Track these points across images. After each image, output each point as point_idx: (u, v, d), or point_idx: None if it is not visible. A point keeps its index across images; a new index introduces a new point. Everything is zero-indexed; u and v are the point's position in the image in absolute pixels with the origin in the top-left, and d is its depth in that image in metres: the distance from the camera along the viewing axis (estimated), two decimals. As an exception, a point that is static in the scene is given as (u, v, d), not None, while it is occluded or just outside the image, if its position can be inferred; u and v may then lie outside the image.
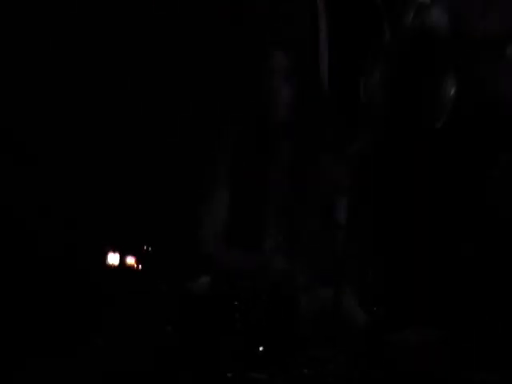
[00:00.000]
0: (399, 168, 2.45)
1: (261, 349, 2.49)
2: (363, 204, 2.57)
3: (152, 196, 3.19)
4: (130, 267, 2.92)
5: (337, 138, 2.58)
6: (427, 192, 2.46)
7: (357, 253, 2.59)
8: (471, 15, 2.82)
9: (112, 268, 2.93)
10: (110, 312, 2.96)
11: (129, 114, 3.57)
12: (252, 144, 2.69)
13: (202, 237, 2.70)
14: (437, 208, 2.40)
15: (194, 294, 2.79)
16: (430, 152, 2.40)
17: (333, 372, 2.44)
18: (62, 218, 3.33)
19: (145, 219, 3.15)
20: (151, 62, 3.72)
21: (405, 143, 2.42)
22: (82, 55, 4.05)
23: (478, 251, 2.45)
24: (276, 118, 2.61)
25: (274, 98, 2.60)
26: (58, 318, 2.99)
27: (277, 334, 2.55)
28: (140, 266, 2.89)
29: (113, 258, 2.87)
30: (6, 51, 3.89)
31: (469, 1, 2.78)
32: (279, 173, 2.66)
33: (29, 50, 3.74)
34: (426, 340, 2.38)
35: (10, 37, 3.85)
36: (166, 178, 3.11)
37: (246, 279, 2.62)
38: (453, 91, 2.31)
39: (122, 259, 2.87)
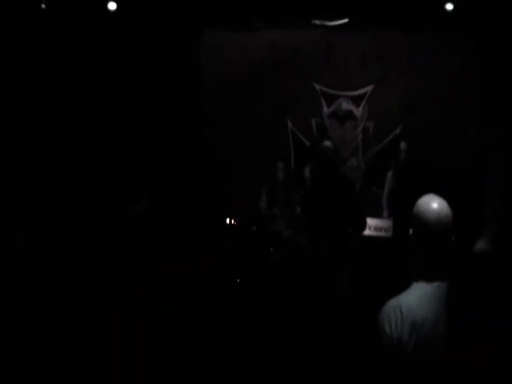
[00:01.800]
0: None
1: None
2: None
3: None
4: (234, 224, 7.34)
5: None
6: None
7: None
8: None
9: (227, 224, 7.33)
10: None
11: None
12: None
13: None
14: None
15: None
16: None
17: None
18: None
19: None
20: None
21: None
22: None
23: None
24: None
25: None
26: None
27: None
28: (236, 223, 7.46)
29: (227, 220, 7.34)
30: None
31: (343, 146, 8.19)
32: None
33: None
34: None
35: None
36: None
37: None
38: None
39: (230, 220, 7.45)
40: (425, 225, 2.65)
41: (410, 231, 2.72)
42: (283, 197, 7.33)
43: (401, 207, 6.71)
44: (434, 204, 2.67)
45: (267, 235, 7.07)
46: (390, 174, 7.39)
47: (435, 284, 2.62)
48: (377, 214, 7.27)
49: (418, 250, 2.70)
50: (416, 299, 2.62)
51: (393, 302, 2.67)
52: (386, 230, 7.02)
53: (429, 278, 2.64)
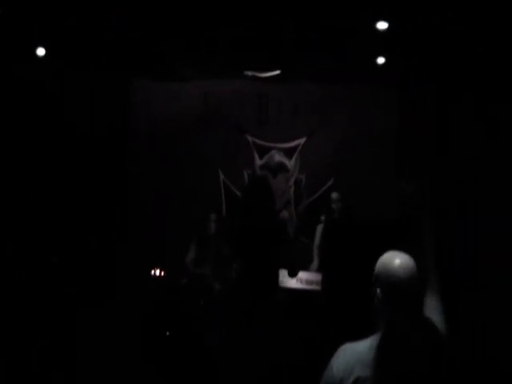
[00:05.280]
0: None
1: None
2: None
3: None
4: (160, 275, 7.43)
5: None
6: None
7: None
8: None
9: (154, 275, 7.32)
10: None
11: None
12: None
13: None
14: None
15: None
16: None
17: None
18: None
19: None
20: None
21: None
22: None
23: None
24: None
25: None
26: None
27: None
28: (164, 275, 7.46)
29: (155, 271, 7.35)
30: None
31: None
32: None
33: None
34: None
35: None
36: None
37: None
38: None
39: (159, 271, 7.37)
40: (392, 283, 2.55)
41: (377, 290, 2.59)
42: (215, 249, 7.22)
43: (329, 261, 6.76)
44: (397, 261, 2.57)
45: (197, 289, 6.96)
46: (320, 225, 7.23)
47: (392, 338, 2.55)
48: (306, 266, 7.11)
49: (385, 307, 2.57)
50: (369, 351, 2.54)
51: (348, 346, 2.63)
52: (316, 283, 6.87)
53: (395, 331, 2.55)
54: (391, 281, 2.54)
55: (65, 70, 7.87)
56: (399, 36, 6.86)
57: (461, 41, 6.56)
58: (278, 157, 8.64)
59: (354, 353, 2.57)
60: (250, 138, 8.66)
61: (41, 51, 7.48)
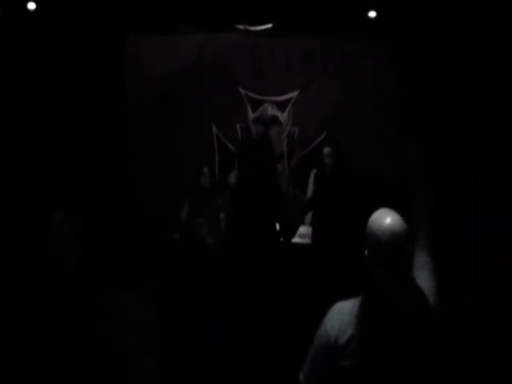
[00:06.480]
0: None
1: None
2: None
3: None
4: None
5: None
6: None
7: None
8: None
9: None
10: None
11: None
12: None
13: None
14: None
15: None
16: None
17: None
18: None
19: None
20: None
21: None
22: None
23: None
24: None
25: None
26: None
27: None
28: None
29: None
30: None
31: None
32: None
33: None
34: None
35: None
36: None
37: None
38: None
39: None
40: (379, 244, 2.56)
41: (365, 252, 2.63)
42: (208, 203, 7.27)
43: (319, 215, 6.82)
44: (386, 221, 2.59)
45: (190, 243, 6.91)
46: (312, 178, 7.25)
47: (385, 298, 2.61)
48: (299, 220, 7.15)
49: (373, 268, 2.60)
50: (363, 309, 2.62)
51: (342, 305, 2.68)
52: (308, 236, 7.00)
53: (383, 292, 2.61)
54: (379, 242, 2.56)
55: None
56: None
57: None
58: (271, 110, 8.61)
59: (347, 311, 2.64)
60: (242, 92, 8.59)
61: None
